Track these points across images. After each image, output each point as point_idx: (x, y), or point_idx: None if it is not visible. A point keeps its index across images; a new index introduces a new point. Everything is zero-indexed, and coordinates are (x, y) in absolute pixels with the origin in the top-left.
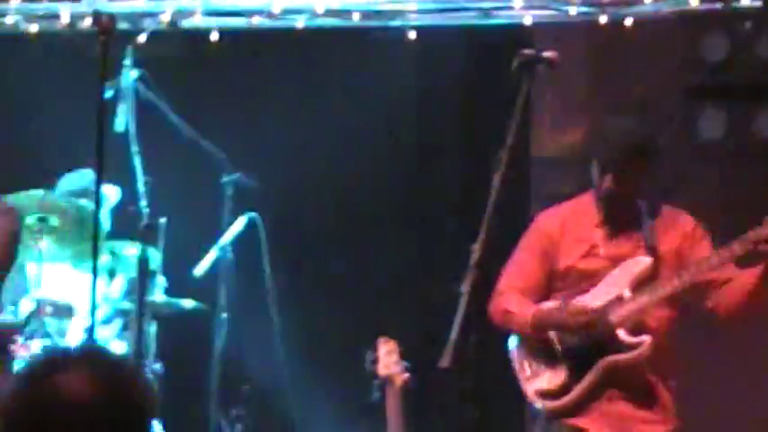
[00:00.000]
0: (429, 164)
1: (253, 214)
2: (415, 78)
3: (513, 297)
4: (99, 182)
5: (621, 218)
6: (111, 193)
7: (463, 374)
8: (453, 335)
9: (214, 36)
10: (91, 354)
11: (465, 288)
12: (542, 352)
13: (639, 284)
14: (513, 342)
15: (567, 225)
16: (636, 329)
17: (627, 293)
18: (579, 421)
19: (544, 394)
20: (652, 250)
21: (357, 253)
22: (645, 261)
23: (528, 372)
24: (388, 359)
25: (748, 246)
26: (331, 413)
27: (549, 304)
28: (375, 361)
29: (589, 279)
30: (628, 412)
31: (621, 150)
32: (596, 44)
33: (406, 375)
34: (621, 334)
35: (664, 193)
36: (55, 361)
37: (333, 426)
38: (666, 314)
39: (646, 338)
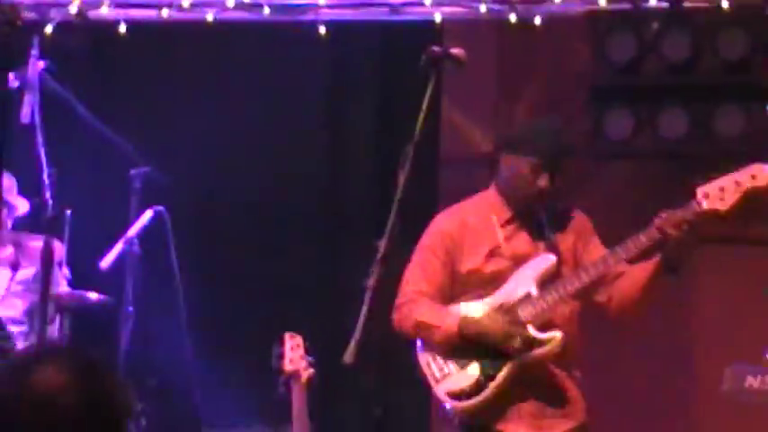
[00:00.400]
0: (342, 160)
1: (160, 208)
2: (328, 74)
3: (424, 306)
4: (0, 172)
5: (530, 217)
6: (23, 206)
7: (367, 371)
8: (357, 331)
9: (122, 28)
10: (69, 352)
11: (369, 284)
12: (451, 352)
13: (545, 282)
14: (419, 344)
15: (468, 224)
16: (544, 326)
17: (534, 291)
18: (503, 426)
19: (456, 395)
20: (553, 249)
21: (265, 248)
22: (551, 259)
23: (438, 373)
24: (293, 354)
25: (655, 235)
26: (236, 407)
27: (469, 308)
28: (281, 356)
29: (493, 282)
30: (539, 410)
31: (561, 150)
32: (505, 43)
33: (311, 371)
34: (532, 331)
35: (568, 194)
36: (33, 357)
37: (238, 420)
38: (570, 308)
39: (557, 334)
